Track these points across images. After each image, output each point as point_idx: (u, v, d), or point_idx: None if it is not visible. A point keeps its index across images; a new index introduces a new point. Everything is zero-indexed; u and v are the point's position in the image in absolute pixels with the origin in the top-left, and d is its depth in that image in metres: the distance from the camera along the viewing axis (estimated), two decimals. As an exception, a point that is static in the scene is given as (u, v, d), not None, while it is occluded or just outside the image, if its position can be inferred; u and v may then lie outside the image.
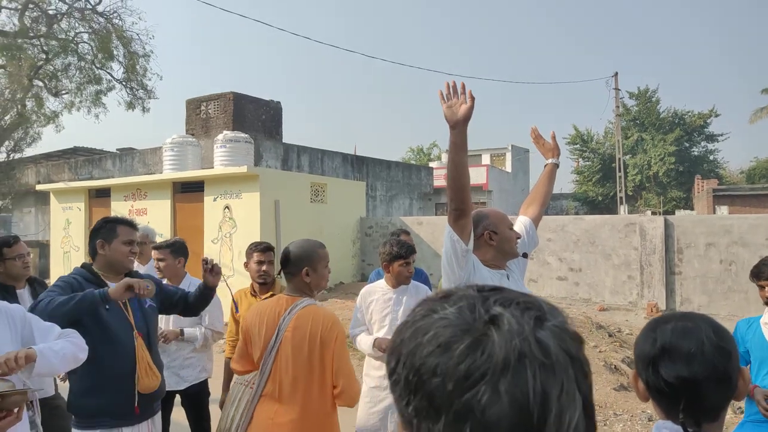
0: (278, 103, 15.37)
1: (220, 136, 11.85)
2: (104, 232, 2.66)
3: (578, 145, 35.07)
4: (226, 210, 10.36)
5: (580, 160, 35.10)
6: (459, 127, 2.05)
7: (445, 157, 31.43)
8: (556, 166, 2.68)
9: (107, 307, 2.49)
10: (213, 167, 11.63)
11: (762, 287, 2.68)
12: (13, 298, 3.11)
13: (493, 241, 2.31)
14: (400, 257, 3.31)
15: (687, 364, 1.08)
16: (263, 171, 10.78)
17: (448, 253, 2.20)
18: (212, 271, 2.86)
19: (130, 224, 2.76)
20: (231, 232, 10.33)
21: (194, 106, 14.49)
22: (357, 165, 17.55)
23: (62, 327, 2.26)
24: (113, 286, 2.43)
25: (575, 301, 10.04)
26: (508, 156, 28.97)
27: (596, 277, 10.01)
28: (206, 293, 2.96)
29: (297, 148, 15.51)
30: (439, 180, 23.29)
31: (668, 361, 1.09)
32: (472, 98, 2.04)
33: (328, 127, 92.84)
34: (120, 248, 2.66)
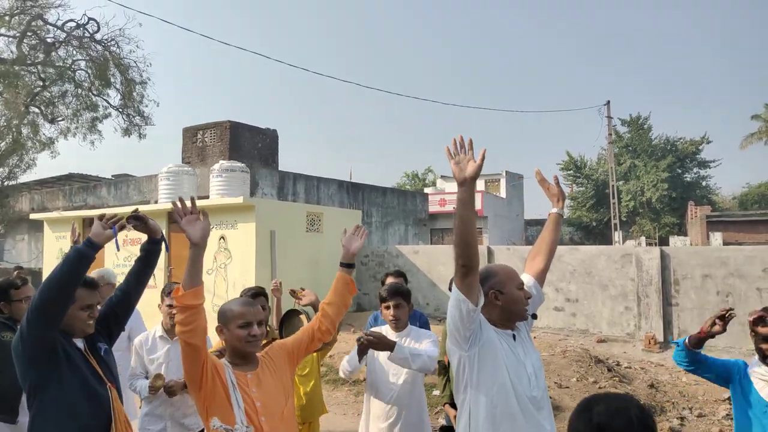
0: (274, 131, 15.44)
1: (216, 166, 11.85)
2: None
3: (572, 171, 35.37)
4: (222, 240, 10.31)
5: (574, 185, 35.35)
6: (467, 184, 2.03)
7: (440, 183, 31.56)
8: (561, 216, 2.63)
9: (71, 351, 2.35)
10: (209, 195, 11.61)
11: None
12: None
13: (499, 301, 2.24)
14: (383, 300, 3.32)
15: None
16: (259, 201, 10.76)
17: (452, 313, 2.13)
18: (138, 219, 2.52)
19: (90, 285, 2.47)
20: (226, 263, 10.26)
21: (191, 134, 14.53)
22: (352, 192, 17.57)
23: (59, 307, 2.19)
24: (92, 231, 2.30)
25: (573, 333, 9.98)
26: (503, 181, 29.13)
27: (593, 308, 9.97)
28: (150, 250, 2.64)
29: (293, 175, 15.53)
30: (434, 206, 23.38)
31: None
32: (483, 157, 2.04)
33: (323, 153, 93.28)
34: (77, 314, 2.39)
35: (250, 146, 14.42)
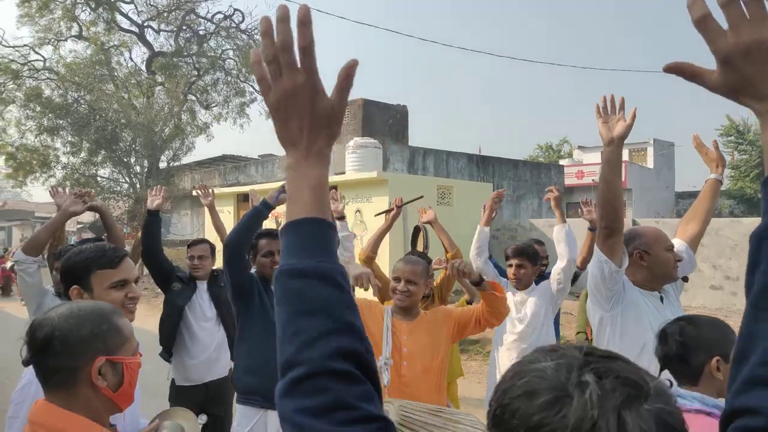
0: (404, 107, 15.62)
1: (351, 143, 12.31)
2: (251, 248, 2.98)
3: (733, 137, 31.55)
4: (357, 213, 10.73)
5: (736, 153, 31.53)
6: (614, 144, 1.97)
7: (576, 154, 29.87)
8: (720, 182, 2.46)
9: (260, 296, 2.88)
10: (344, 171, 12.12)
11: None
12: (192, 290, 3.57)
13: (645, 261, 2.19)
14: (507, 258, 3.48)
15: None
16: (392, 176, 11.01)
17: (594, 273, 2.12)
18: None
19: (268, 235, 2.99)
20: (362, 235, 10.68)
21: (326, 113, 15.19)
22: (482, 165, 17.28)
23: (240, 250, 2.71)
24: (268, 194, 2.87)
25: (731, 313, 9.01)
26: (650, 150, 26.83)
27: (758, 287, 8.91)
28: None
29: (423, 150, 15.64)
30: (571, 178, 22.17)
31: None
32: (633, 117, 1.95)
33: (452, 127, 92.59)
34: (261, 261, 2.97)
35: (382, 123, 14.74)
